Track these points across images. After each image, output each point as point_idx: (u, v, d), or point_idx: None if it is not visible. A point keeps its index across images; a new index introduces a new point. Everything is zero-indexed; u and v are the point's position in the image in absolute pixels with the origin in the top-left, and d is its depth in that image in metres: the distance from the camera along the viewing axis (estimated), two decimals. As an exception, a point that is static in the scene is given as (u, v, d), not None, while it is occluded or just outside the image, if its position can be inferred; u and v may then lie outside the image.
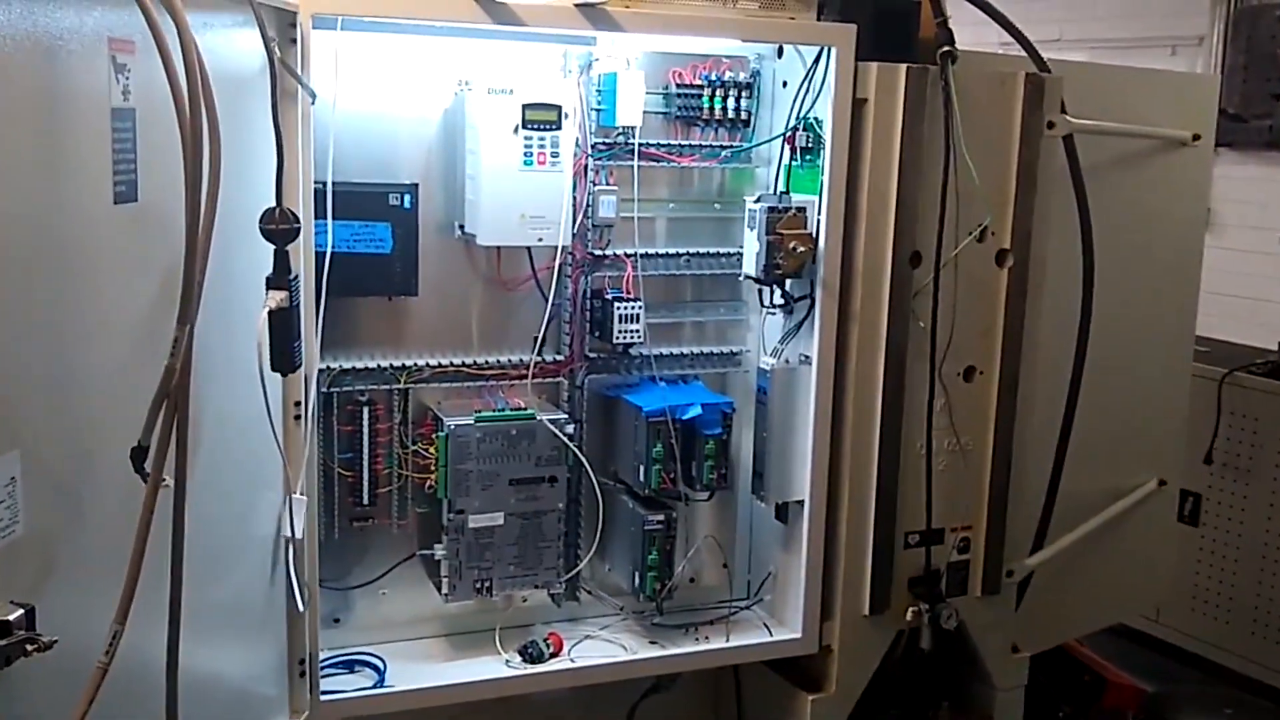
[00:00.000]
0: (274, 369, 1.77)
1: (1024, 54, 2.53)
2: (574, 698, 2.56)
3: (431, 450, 2.33)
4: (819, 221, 2.37)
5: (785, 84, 2.48)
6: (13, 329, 1.20)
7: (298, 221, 1.73)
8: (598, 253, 2.44)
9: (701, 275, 2.57)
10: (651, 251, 2.50)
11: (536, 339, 2.42)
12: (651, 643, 2.49)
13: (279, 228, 1.71)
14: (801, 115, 2.39)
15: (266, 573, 1.99)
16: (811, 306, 2.40)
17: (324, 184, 2.09)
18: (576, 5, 2.13)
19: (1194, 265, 3.01)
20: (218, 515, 1.71)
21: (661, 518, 2.44)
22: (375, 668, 2.33)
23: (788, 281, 2.41)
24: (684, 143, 2.50)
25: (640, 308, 2.41)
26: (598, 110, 2.38)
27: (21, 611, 1.16)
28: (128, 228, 1.41)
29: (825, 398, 2.42)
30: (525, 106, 2.22)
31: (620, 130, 2.38)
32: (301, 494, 2.04)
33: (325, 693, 2.19)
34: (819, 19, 2.35)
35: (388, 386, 2.34)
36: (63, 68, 1.27)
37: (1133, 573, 3.04)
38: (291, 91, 1.92)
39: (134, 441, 1.31)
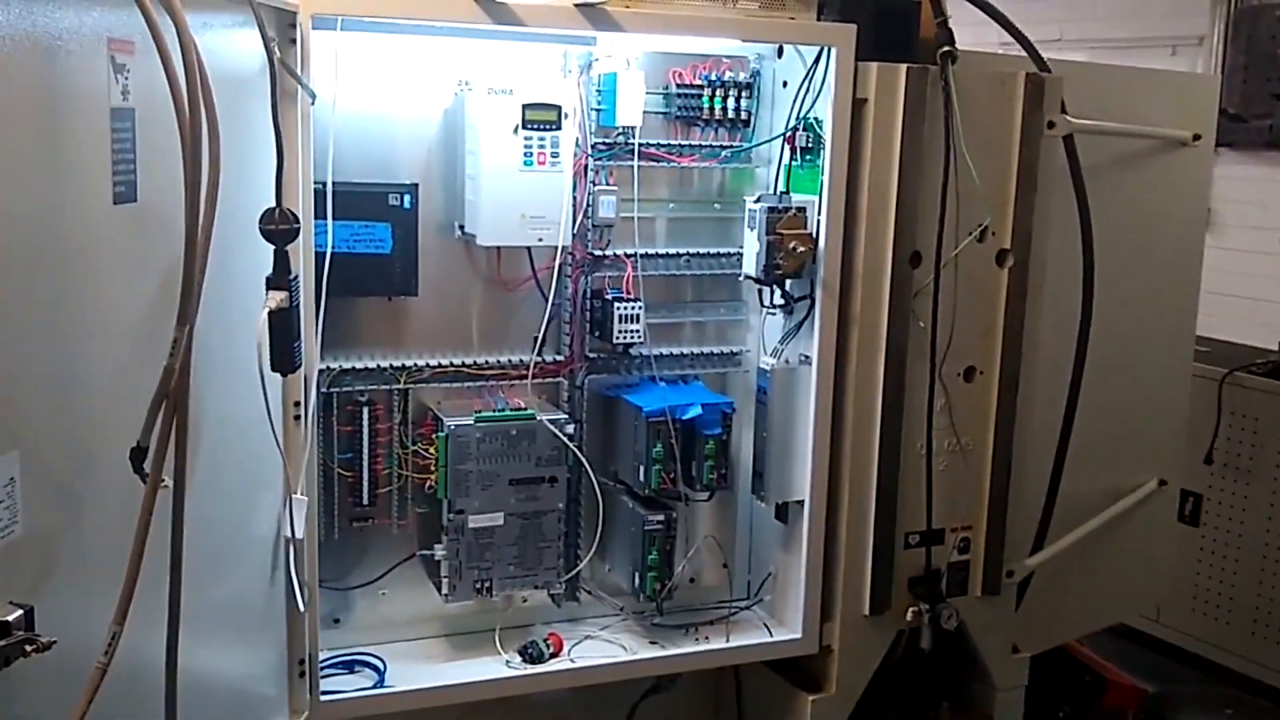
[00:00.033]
0: (274, 369, 1.77)
1: (1024, 54, 2.52)
2: (574, 698, 2.55)
3: (431, 450, 2.33)
4: (819, 221, 2.37)
5: (785, 84, 2.48)
6: (12, 329, 1.20)
7: (297, 222, 1.73)
8: (598, 253, 2.43)
9: (701, 275, 2.57)
10: (651, 251, 2.50)
11: (536, 339, 2.42)
12: (651, 643, 2.49)
13: (279, 228, 1.71)
14: (801, 115, 2.39)
15: (266, 573, 1.99)
16: (811, 307, 2.40)
17: (324, 184, 2.08)
18: (576, 5, 2.13)
19: (1194, 265, 3.01)
20: (217, 515, 1.71)
21: (661, 518, 2.43)
22: (375, 668, 2.33)
23: (788, 281, 2.41)
24: (684, 143, 2.50)
25: (640, 308, 2.40)
26: (598, 110, 2.38)
27: (20, 612, 1.16)
28: (127, 228, 1.41)
29: (825, 398, 2.41)
30: (525, 106, 2.22)
31: (620, 130, 2.38)
32: (302, 494, 2.04)
33: (325, 693, 2.19)
34: (819, 19, 2.35)
35: (388, 387, 2.34)
36: (62, 68, 1.27)
37: (1133, 573, 3.04)
38: (291, 92, 1.92)
39: (133, 442, 1.31)
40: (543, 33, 2.20)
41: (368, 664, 2.34)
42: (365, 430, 2.32)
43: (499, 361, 2.42)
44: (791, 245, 2.33)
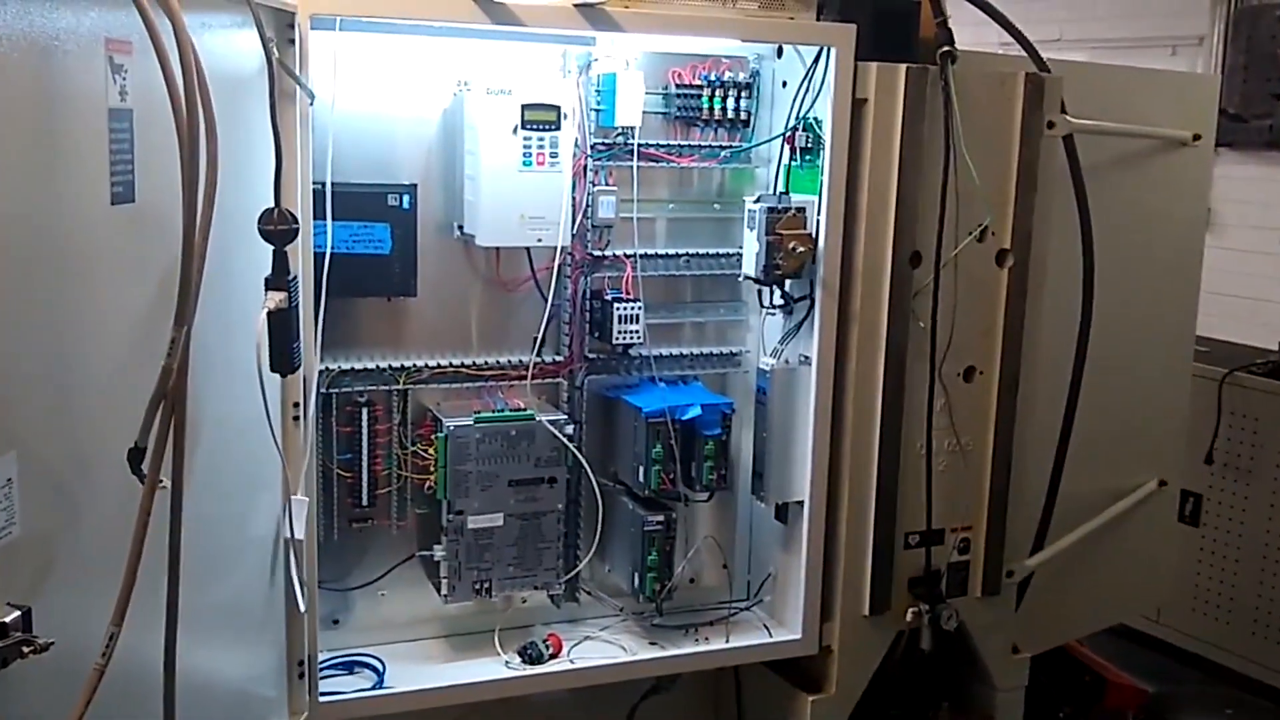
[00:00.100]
0: (273, 370, 1.77)
1: (1024, 54, 2.52)
2: (573, 699, 2.55)
3: (431, 451, 2.33)
4: (819, 222, 2.37)
5: (785, 84, 2.48)
6: (10, 330, 1.20)
7: (296, 222, 1.73)
8: (597, 253, 2.43)
9: (701, 276, 2.57)
10: (651, 252, 2.49)
11: (536, 340, 2.42)
12: (651, 644, 2.49)
13: (277, 228, 1.70)
14: (801, 115, 2.39)
15: (265, 574, 1.98)
16: (811, 307, 2.40)
17: (323, 185, 2.08)
18: (576, 5, 2.13)
19: (1194, 265, 3.01)
20: (216, 516, 1.71)
21: (661, 518, 2.43)
22: (374, 669, 2.33)
23: (787, 282, 2.41)
24: (683, 143, 2.49)
25: (640, 308, 2.40)
26: (597, 110, 2.37)
27: (18, 613, 1.16)
28: (125, 229, 1.41)
29: (825, 398, 2.41)
30: (524, 107, 2.22)
31: (620, 130, 2.38)
32: (302, 495, 2.04)
33: (324, 694, 2.19)
34: (818, 19, 2.35)
35: (387, 387, 2.33)
36: (59, 68, 1.26)
37: (1133, 573, 3.04)
38: (290, 92, 1.92)
39: (131, 442, 1.31)
40: (542, 33, 2.20)
41: (367, 665, 2.34)
42: (364, 431, 2.32)
43: (498, 362, 2.41)
44: (791, 245, 2.33)
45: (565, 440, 2.35)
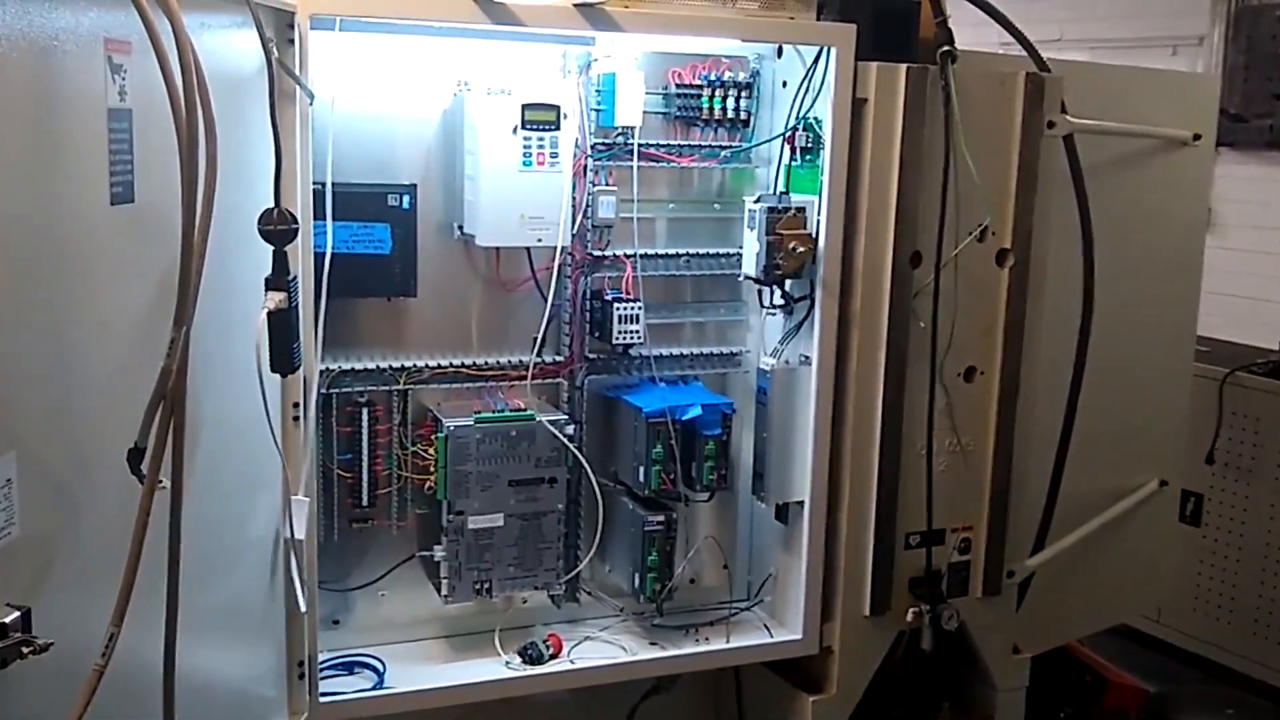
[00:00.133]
0: (273, 370, 1.77)
1: (1024, 54, 2.52)
2: (574, 699, 2.55)
3: (431, 451, 2.33)
4: (819, 222, 2.37)
5: (785, 84, 2.48)
6: (9, 330, 1.20)
7: (296, 222, 1.72)
8: (597, 253, 2.43)
9: (701, 276, 2.57)
10: (651, 252, 2.49)
11: (536, 340, 2.42)
12: (651, 644, 2.49)
13: (277, 228, 1.70)
14: (801, 115, 2.39)
15: (265, 574, 1.98)
16: (811, 307, 2.40)
17: (323, 185, 2.08)
18: (576, 5, 2.13)
19: (1195, 265, 3.01)
20: (215, 516, 1.71)
21: (661, 519, 2.43)
22: (375, 669, 2.33)
23: (788, 282, 2.41)
24: (684, 143, 2.49)
25: (640, 308, 2.40)
26: (597, 110, 2.37)
27: (18, 614, 1.16)
28: (125, 229, 1.41)
29: (825, 398, 2.41)
30: (524, 107, 2.22)
31: (620, 130, 2.38)
32: (303, 495, 2.03)
33: (324, 694, 2.19)
34: (819, 19, 2.35)
35: (387, 387, 2.33)
36: (58, 68, 1.26)
37: (1134, 573, 3.03)
38: (290, 92, 1.92)
39: (131, 443, 1.31)
40: (542, 33, 2.20)
41: (367, 665, 2.34)
42: (365, 431, 2.32)
43: (498, 362, 2.41)
44: (791, 245, 2.33)
45: (565, 440, 2.34)
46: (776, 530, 2.57)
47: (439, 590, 2.34)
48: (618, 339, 2.40)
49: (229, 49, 1.69)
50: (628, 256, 2.44)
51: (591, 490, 2.45)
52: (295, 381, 2.01)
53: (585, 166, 2.37)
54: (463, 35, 2.24)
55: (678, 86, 2.47)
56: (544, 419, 2.33)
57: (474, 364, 2.39)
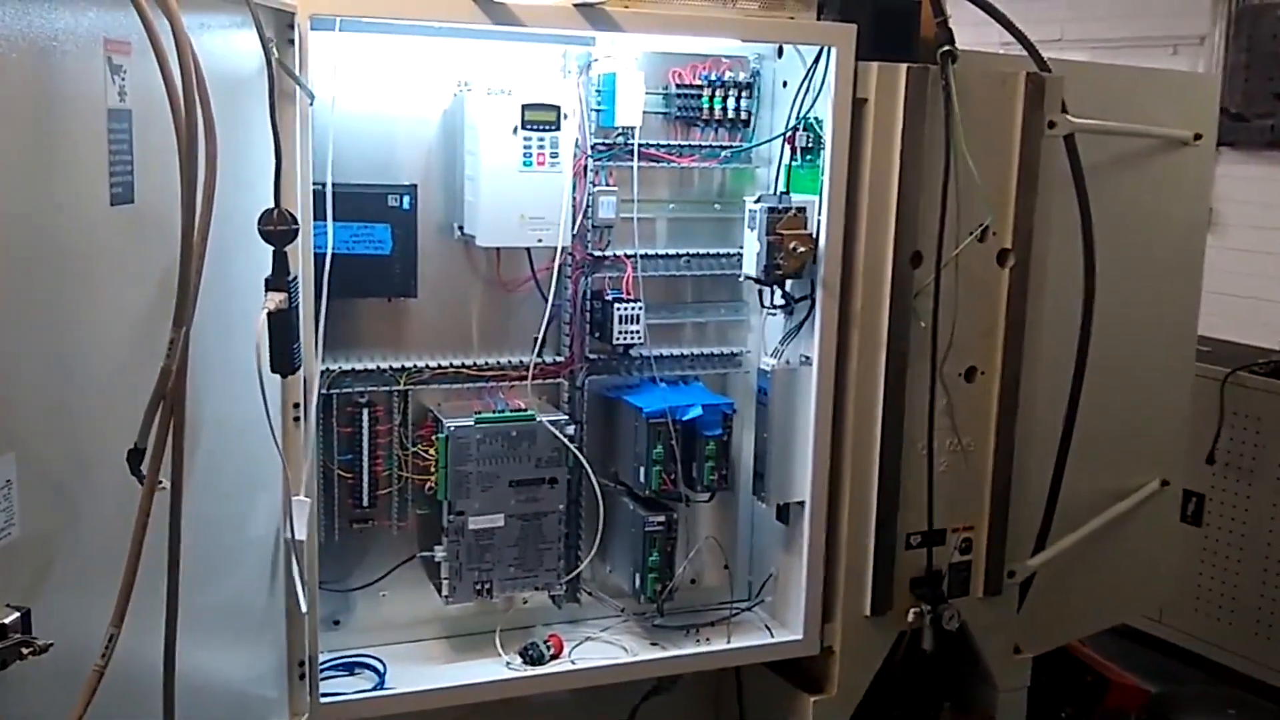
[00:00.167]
0: (273, 371, 1.77)
1: (1025, 53, 2.52)
2: (575, 700, 2.55)
3: (431, 452, 2.32)
4: (819, 222, 2.37)
5: (785, 84, 2.48)
6: (9, 330, 1.20)
7: (296, 223, 1.73)
8: (598, 253, 2.43)
9: (702, 276, 2.57)
10: (651, 252, 2.49)
11: (536, 340, 2.42)
12: (652, 644, 2.49)
13: (277, 229, 1.70)
14: (802, 115, 2.38)
15: (265, 575, 1.98)
16: (812, 307, 2.40)
17: (323, 185, 2.08)
18: (576, 5, 2.13)
19: (1196, 265, 3.01)
20: (215, 517, 1.71)
21: (662, 519, 2.43)
22: (375, 670, 2.33)
23: (788, 282, 2.41)
24: (684, 143, 2.49)
25: (640, 309, 2.40)
26: (597, 110, 2.37)
27: (18, 615, 1.16)
28: (125, 229, 1.41)
29: (826, 398, 2.41)
30: (524, 107, 2.22)
31: (620, 131, 2.38)
32: (303, 496, 2.03)
33: (325, 695, 2.19)
34: (819, 19, 2.35)
35: (387, 388, 2.33)
36: (58, 69, 1.26)
37: (1135, 573, 3.03)
38: (290, 92, 1.92)
39: (131, 443, 1.31)
40: (542, 33, 2.20)
41: (368, 666, 2.34)
42: (365, 432, 2.32)
43: (499, 363, 2.41)
44: (792, 245, 2.33)
45: (566, 441, 2.34)
46: (777, 530, 2.57)
47: (440, 591, 2.34)
48: (618, 339, 2.40)
49: (229, 49, 1.69)
50: (628, 257, 2.44)
51: (592, 490, 2.45)
52: (296, 382, 2.01)
53: (585, 167, 2.37)
54: (463, 35, 2.24)
55: (678, 86, 2.46)
56: (544, 419, 2.33)
57: (474, 364, 2.39)
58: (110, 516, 1.34)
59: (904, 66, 2.31)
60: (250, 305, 1.73)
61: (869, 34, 2.31)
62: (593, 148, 2.38)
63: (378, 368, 2.32)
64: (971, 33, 2.52)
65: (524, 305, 2.43)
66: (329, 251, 2.09)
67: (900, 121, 2.31)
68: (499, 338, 2.43)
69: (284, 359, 1.77)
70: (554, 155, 2.25)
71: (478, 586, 2.34)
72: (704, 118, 2.47)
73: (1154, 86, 2.89)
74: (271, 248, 1.71)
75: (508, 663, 2.37)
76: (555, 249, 2.35)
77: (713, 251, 2.54)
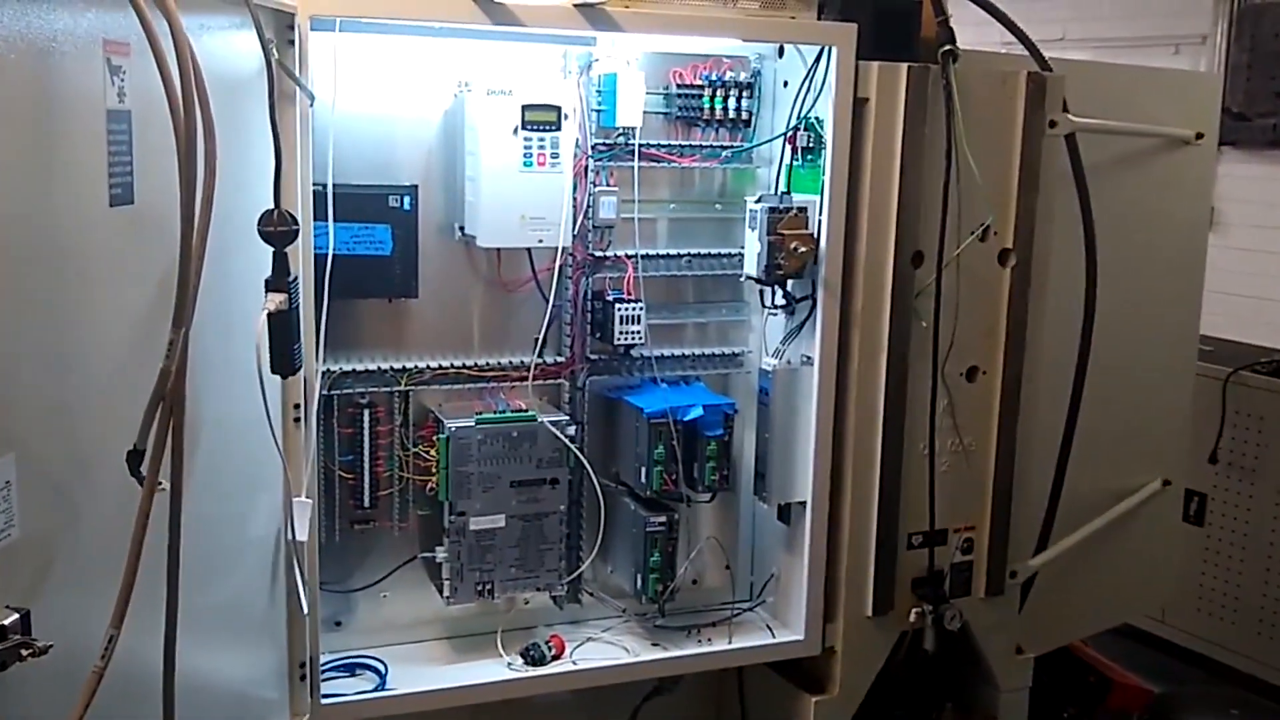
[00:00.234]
0: (273, 371, 1.77)
1: (1026, 53, 2.52)
2: (576, 700, 2.55)
3: (432, 452, 2.32)
4: (820, 221, 2.37)
5: (786, 84, 2.47)
6: (9, 331, 1.20)
7: (296, 223, 1.73)
8: (598, 254, 2.43)
9: (703, 276, 2.56)
10: (652, 252, 2.49)
11: (537, 340, 2.42)
12: (654, 645, 2.48)
13: (277, 230, 1.70)
14: (802, 115, 2.38)
15: (266, 575, 1.98)
16: (813, 307, 2.40)
17: (324, 186, 2.08)
18: (576, 5, 2.13)
19: (1198, 264, 3.00)
20: (216, 518, 1.71)
21: (663, 519, 2.43)
22: (376, 671, 2.33)
23: (789, 282, 2.41)
24: (685, 143, 2.49)
25: (641, 309, 2.40)
26: (598, 111, 2.37)
27: (17, 616, 1.16)
28: (124, 230, 1.41)
29: (827, 398, 2.41)
30: (525, 107, 2.22)
31: (620, 131, 2.38)
32: (304, 497, 2.03)
33: (326, 696, 2.19)
34: (820, 18, 2.35)
35: (388, 389, 2.33)
36: (57, 70, 1.26)
37: (1138, 573, 3.03)
38: (290, 93, 1.92)
39: (131, 444, 1.31)
40: (542, 33, 2.20)
41: (369, 667, 2.34)
42: (366, 432, 2.32)
43: (500, 363, 2.41)
44: (793, 245, 2.33)
45: (567, 441, 2.34)
46: (779, 531, 2.57)
47: (441, 591, 2.34)
48: (619, 339, 2.40)
49: (228, 50, 1.69)
50: (629, 257, 2.44)
51: (593, 491, 2.45)
52: (296, 383, 2.01)
53: (586, 167, 2.37)
54: (463, 36, 2.24)
55: (679, 87, 2.46)
56: (545, 420, 2.33)
57: (475, 365, 2.39)
58: (110, 517, 1.34)
59: (905, 66, 2.31)
60: (250, 306, 1.73)
61: (870, 34, 2.31)
62: (593, 148, 2.38)
63: (378, 368, 2.32)
64: (973, 32, 2.52)
65: (525, 306, 2.43)
66: (330, 252, 2.09)
67: (901, 121, 2.31)
68: (500, 338, 2.43)
69: (284, 360, 1.77)
70: (554, 155, 2.25)
71: (479, 587, 2.33)
72: (705, 118, 2.47)
73: (1156, 86, 2.89)
74: (271, 248, 1.71)
75: (509, 663, 2.37)
76: (556, 249, 2.35)
77: (714, 251, 2.54)
